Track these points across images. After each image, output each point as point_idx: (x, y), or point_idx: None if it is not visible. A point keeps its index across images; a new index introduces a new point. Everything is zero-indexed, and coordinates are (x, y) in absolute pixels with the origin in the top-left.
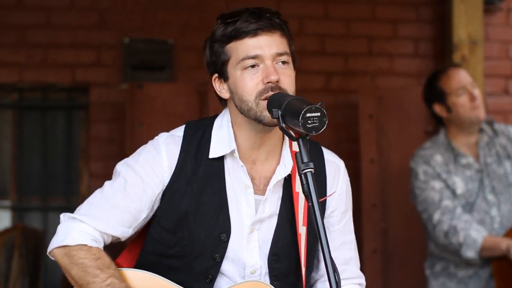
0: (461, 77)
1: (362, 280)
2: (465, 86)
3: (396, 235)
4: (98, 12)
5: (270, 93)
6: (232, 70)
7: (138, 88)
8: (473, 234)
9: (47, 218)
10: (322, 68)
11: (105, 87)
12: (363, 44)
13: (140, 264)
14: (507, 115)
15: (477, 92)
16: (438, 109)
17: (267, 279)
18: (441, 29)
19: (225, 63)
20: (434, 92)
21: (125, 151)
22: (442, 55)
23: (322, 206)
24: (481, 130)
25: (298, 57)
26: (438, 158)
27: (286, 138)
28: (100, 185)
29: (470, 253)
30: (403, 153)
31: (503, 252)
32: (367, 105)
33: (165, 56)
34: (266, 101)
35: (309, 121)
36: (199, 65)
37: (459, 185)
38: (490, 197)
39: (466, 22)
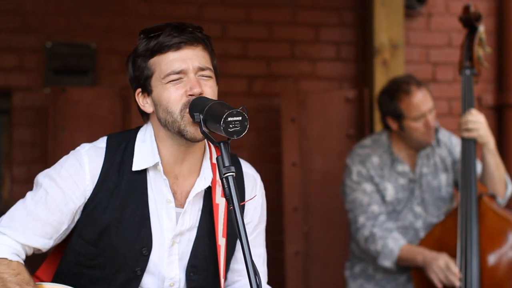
0: (422, 105)
1: None
2: (424, 114)
3: (317, 237)
4: (20, 15)
5: None
6: (156, 83)
7: (61, 92)
8: (391, 244)
9: None
10: (245, 72)
11: (28, 91)
12: (286, 48)
13: (60, 274)
14: None
15: (432, 117)
16: (390, 122)
17: None
18: (362, 33)
19: (149, 77)
20: (392, 109)
21: (48, 156)
22: (364, 58)
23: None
24: None
25: (220, 61)
26: (375, 160)
27: (207, 151)
28: (23, 190)
29: (386, 263)
30: (325, 156)
31: (419, 266)
32: (289, 109)
33: (88, 60)
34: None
35: (231, 125)
36: (122, 69)
37: (390, 192)
38: (418, 209)
39: (387, 26)
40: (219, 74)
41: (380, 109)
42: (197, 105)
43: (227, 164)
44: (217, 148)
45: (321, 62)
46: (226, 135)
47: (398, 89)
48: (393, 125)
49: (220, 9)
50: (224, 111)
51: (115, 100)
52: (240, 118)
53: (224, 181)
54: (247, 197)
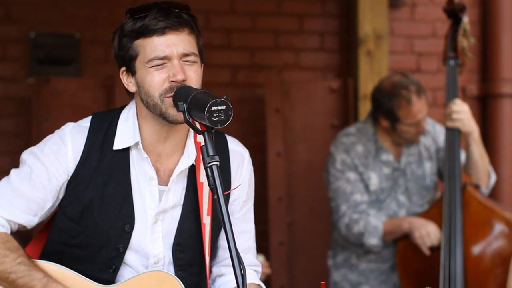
0: (419, 114)
1: (259, 268)
2: (419, 121)
3: (301, 227)
4: (4, 5)
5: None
6: (140, 65)
7: (45, 83)
8: (373, 221)
9: None
10: (229, 62)
11: (11, 81)
12: (269, 38)
13: (46, 253)
14: None
15: (424, 121)
16: (383, 121)
17: (171, 269)
18: (346, 24)
19: (133, 58)
20: (388, 111)
21: (32, 146)
22: (348, 49)
23: (226, 195)
24: None
25: (204, 51)
26: (359, 149)
27: (191, 130)
28: None
29: (373, 240)
30: (309, 146)
31: (405, 232)
32: (273, 99)
33: (71, 50)
34: (171, 98)
35: (215, 114)
36: (106, 59)
37: (374, 182)
38: (402, 198)
39: (371, 17)
40: (204, 64)
41: (373, 104)
42: (181, 94)
43: (211, 153)
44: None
45: (305, 53)
46: (210, 124)
47: (398, 94)
48: (384, 123)
49: None
50: (208, 100)
51: (99, 90)
52: (224, 107)
53: (208, 170)
54: (232, 173)
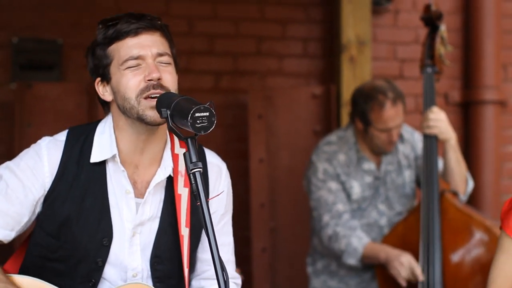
0: (390, 121)
1: (238, 280)
2: (390, 129)
3: (284, 233)
4: None
5: (152, 91)
6: (115, 70)
7: (27, 88)
8: (354, 243)
9: None
10: (211, 68)
11: None
12: (252, 44)
13: (25, 267)
14: None
15: (397, 132)
16: (357, 121)
17: (149, 282)
18: (329, 30)
19: (107, 65)
20: (362, 112)
21: (14, 151)
22: (331, 55)
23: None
24: None
25: (187, 57)
26: (341, 158)
27: (168, 141)
28: None
29: (351, 261)
30: (292, 152)
31: (382, 262)
32: (256, 105)
33: (54, 56)
34: (148, 99)
35: (198, 121)
36: None
37: (356, 191)
38: (382, 206)
39: (354, 23)
40: (185, 71)
41: (351, 105)
42: (164, 100)
43: (194, 160)
44: (184, 143)
45: (288, 59)
46: (193, 131)
47: (373, 97)
48: (359, 125)
49: (186, 4)
50: (191, 107)
51: (82, 95)
52: (207, 113)
53: (192, 177)
54: (211, 187)
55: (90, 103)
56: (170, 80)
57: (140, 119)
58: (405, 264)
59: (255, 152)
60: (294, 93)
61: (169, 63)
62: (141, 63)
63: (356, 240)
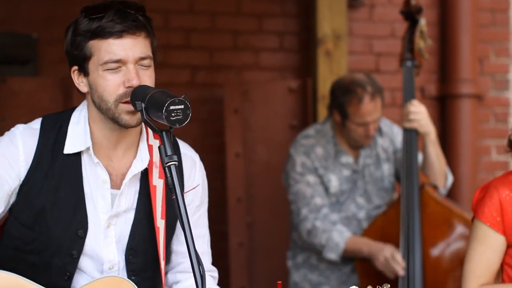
0: (368, 116)
1: (215, 273)
2: (367, 123)
3: (261, 228)
4: None
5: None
6: (93, 68)
7: (2, 83)
8: (336, 237)
9: None
10: (188, 62)
11: None
12: (228, 38)
13: None
14: None
15: (374, 126)
16: (335, 114)
17: (124, 274)
18: (306, 24)
19: (86, 59)
20: (339, 105)
21: None
22: (307, 49)
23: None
24: None
25: (163, 52)
26: (319, 151)
27: (143, 132)
28: None
29: (332, 256)
30: (268, 147)
31: (365, 257)
32: (232, 99)
33: (29, 50)
34: (125, 104)
35: (173, 114)
36: (63, 59)
37: (334, 184)
38: (360, 200)
39: (330, 17)
40: (162, 65)
41: (330, 97)
42: (138, 93)
43: (169, 153)
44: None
45: (264, 53)
46: (168, 124)
47: (352, 90)
48: (337, 117)
49: None
50: (166, 100)
51: (57, 90)
52: (182, 106)
53: (167, 170)
54: (185, 178)
55: (65, 98)
56: (148, 83)
57: (114, 121)
58: (388, 257)
59: (232, 146)
60: (270, 87)
61: (149, 66)
62: (121, 66)
63: (337, 235)
